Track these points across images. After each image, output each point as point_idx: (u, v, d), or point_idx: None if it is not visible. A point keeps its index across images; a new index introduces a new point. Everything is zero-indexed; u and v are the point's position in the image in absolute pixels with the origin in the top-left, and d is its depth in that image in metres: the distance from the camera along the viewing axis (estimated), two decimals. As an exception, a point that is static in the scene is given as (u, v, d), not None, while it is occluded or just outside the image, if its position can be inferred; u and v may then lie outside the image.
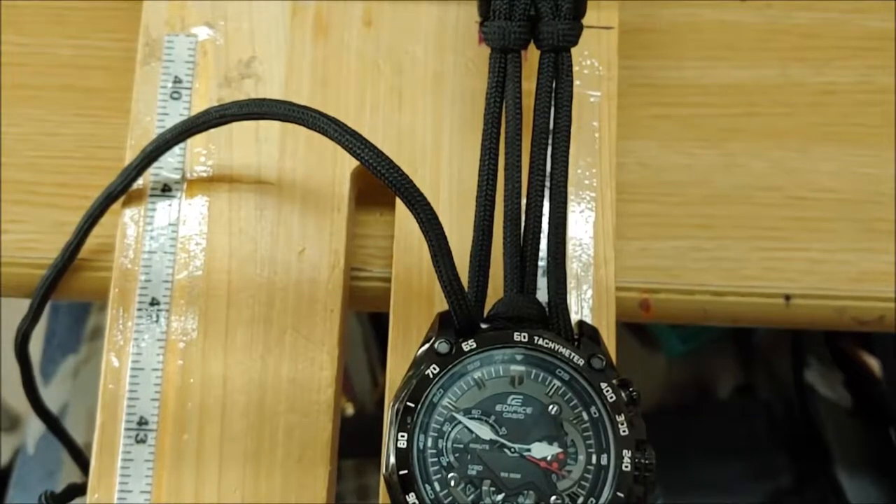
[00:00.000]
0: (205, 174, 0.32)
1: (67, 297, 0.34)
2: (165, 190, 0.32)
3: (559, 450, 0.26)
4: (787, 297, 0.33)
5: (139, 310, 0.31)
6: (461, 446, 0.26)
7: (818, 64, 0.36)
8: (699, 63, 0.36)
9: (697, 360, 0.62)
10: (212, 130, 0.31)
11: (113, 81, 0.36)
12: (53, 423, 0.37)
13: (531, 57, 0.31)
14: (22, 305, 0.33)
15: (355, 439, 0.38)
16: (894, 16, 0.36)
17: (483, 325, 0.28)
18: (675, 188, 0.34)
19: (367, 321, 0.62)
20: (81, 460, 0.39)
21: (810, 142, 0.35)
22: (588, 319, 0.31)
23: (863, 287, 0.33)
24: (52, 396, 0.53)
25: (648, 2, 0.36)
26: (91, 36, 0.36)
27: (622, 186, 0.34)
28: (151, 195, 0.32)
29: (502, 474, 0.26)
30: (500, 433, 0.27)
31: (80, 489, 0.32)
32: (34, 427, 0.54)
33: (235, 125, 0.32)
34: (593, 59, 0.33)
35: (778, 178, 0.35)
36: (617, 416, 0.26)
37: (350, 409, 0.60)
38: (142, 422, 0.30)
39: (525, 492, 0.26)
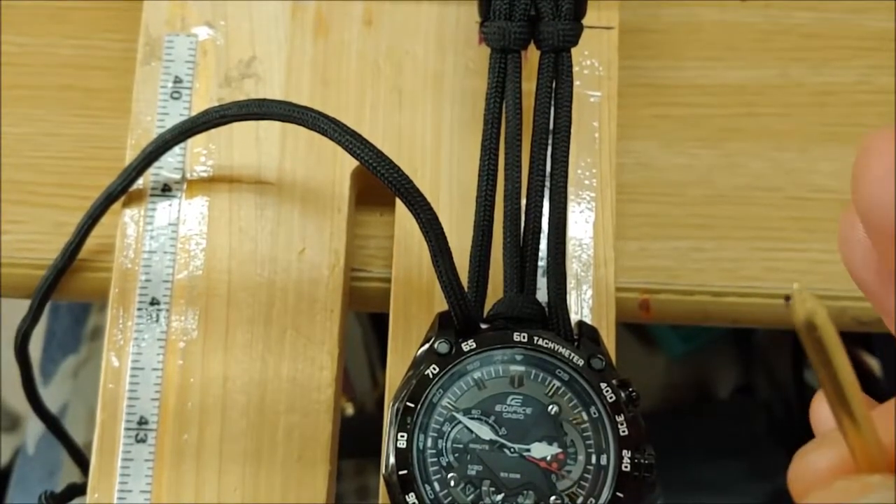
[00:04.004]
0: (205, 174, 0.32)
1: (67, 298, 0.34)
2: (165, 190, 0.32)
3: (559, 450, 0.26)
4: (788, 298, 0.33)
5: (139, 310, 0.31)
6: (461, 446, 0.26)
7: (818, 64, 0.36)
8: (699, 63, 0.36)
9: (697, 361, 0.62)
10: (212, 130, 0.31)
11: (113, 81, 0.35)
12: (53, 423, 0.37)
13: (531, 57, 0.31)
14: (22, 305, 0.33)
15: (355, 439, 0.38)
16: (894, 16, 0.36)
17: (483, 326, 0.28)
18: (675, 188, 0.34)
19: (367, 321, 0.62)
20: (81, 460, 0.38)
21: (810, 142, 0.35)
22: (588, 319, 0.31)
23: (863, 287, 0.33)
24: (52, 396, 0.53)
25: (648, 2, 0.36)
26: (91, 36, 0.36)
27: (622, 186, 0.34)
28: (151, 195, 0.32)
29: (502, 474, 0.26)
30: (500, 433, 0.27)
31: (80, 489, 0.32)
32: (34, 427, 0.54)
33: (235, 125, 0.32)
34: (593, 59, 0.33)
35: (778, 178, 0.35)
36: (617, 417, 0.26)
37: (350, 409, 0.60)
38: (142, 421, 0.30)
39: (524, 492, 0.26)
